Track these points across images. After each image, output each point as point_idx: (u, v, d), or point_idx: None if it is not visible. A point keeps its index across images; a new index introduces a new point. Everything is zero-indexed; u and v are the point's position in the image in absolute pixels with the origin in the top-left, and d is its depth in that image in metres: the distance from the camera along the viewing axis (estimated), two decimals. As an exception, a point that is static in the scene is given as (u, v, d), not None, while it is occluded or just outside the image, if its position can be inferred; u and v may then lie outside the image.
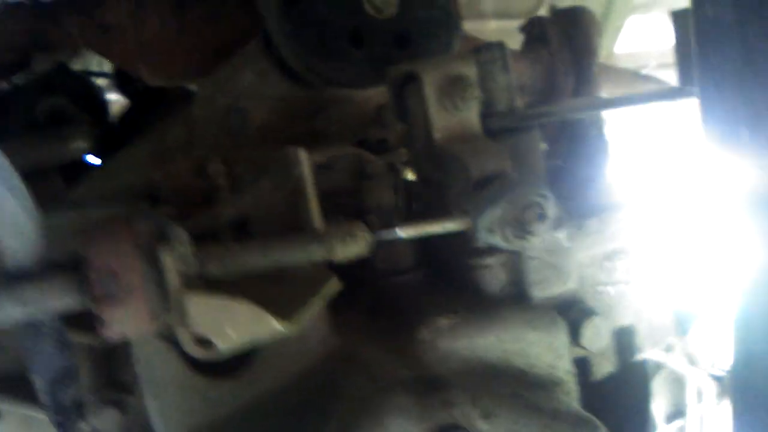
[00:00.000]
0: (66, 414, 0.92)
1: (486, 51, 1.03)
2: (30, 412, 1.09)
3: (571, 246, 1.02)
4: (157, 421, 0.93)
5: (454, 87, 0.97)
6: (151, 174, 1.12)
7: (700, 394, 1.61)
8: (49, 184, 1.53)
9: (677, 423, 1.60)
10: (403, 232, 0.85)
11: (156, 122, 1.65)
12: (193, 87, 1.58)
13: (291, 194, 0.94)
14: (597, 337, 1.04)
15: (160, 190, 1.10)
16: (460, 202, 0.94)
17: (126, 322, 0.69)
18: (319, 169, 1.13)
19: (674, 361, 1.53)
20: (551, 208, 0.90)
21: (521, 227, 0.89)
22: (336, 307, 1.01)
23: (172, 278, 0.69)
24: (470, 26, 1.71)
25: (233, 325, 0.70)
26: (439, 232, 0.87)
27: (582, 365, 1.10)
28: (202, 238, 0.95)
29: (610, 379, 1.14)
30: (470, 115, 1.00)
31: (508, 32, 1.77)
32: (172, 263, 0.70)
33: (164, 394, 0.92)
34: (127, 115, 1.86)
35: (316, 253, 0.81)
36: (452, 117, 0.98)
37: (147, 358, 0.91)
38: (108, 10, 1.45)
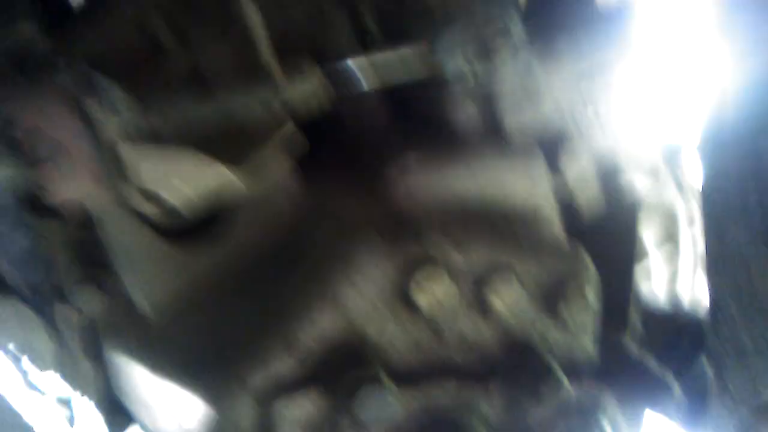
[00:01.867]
0: (42, 296, 0.90)
1: None
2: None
3: (543, 67, 0.96)
4: (134, 293, 0.91)
5: None
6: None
7: (691, 219, 1.60)
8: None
9: (668, 247, 1.59)
10: (356, 63, 0.79)
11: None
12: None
13: (240, 38, 0.87)
14: (577, 165, 1.01)
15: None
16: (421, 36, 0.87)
17: (67, 182, 0.65)
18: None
19: (663, 189, 1.50)
20: (515, 24, 0.84)
21: (484, 45, 0.83)
22: (307, 167, 0.96)
23: (105, 130, 0.64)
24: None
25: (181, 176, 0.66)
26: (395, 59, 0.81)
27: (564, 196, 1.07)
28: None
29: (600, 220, 1.11)
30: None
31: None
32: (102, 114, 0.64)
33: (137, 265, 0.90)
34: None
35: (264, 94, 0.75)
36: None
37: (116, 231, 0.88)
38: None
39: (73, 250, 1.09)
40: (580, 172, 1.02)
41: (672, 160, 1.52)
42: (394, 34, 0.99)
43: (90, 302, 1.13)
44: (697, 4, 0.77)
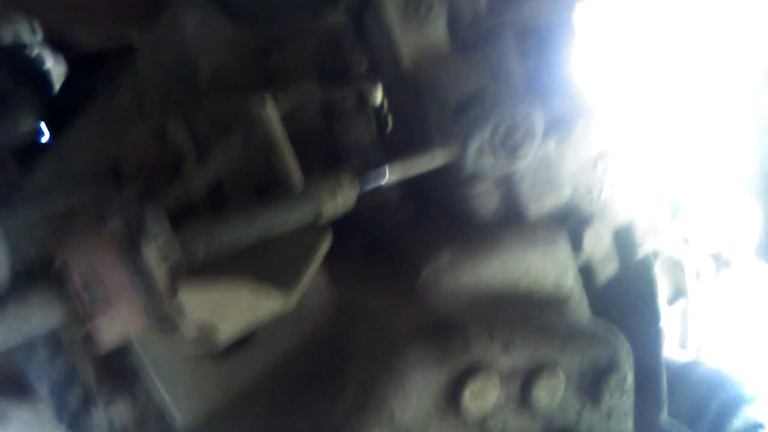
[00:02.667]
0: (74, 415, 0.89)
1: (445, -39, 0.96)
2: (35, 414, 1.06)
3: (560, 155, 0.98)
4: (169, 408, 0.90)
5: (416, 5, 0.90)
6: (108, 148, 1.04)
7: (698, 273, 1.63)
8: (4, 170, 1.45)
9: (679, 303, 1.62)
10: (392, 174, 0.79)
11: (102, 87, 1.55)
12: (133, 42, 1.47)
13: (262, 149, 0.88)
14: (598, 242, 1.02)
15: (121, 166, 1.02)
16: (442, 129, 0.88)
17: (119, 325, 0.65)
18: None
19: (670, 245, 1.53)
20: (539, 124, 0.86)
21: (510, 147, 0.84)
22: (329, 259, 0.97)
23: (159, 272, 0.64)
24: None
25: (233, 309, 0.66)
26: (429, 166, 0.82)
27: (586, 271, 1.09)
28: (179, 213, 0.90)
29: (615, 278, 1.13)
30: (437, 29, 0.93)
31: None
32: (155, 256, 0.65)
33: (171, 379, 0.89)
34: (71, 82, 1.74)
35: (305, 213, 0.76)
36: (419, 36, 0.92)
37: (148, 344, 0.87)
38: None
39: (103, 362, 1.08)
40: (602, 250, 1.04)
41: (675, 214, 1.56)
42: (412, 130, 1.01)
43: (121, 414, 1.11)
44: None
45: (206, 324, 0.68)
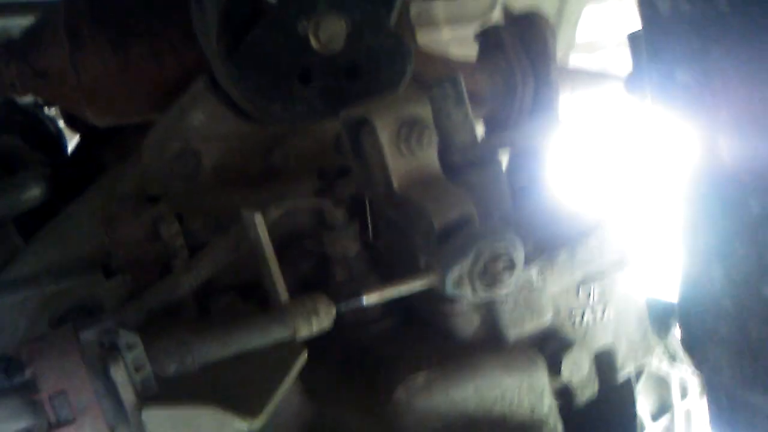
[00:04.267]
0: None
1: (439, 88, 1.00)
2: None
3: (543, 280, 0.99)
4: None
5: (408, 130, 0.93)
6: (101, 239, 1.07)
7: (684, 390, 1.61)
8: (4, 237, 1.47)
9: (663, 420, 1.60)
10: (369, 299, 0.81)
11: (111, 161, 1.60)
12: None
13: (249, 253, 0.90)
14: (577, 367, 1.03)
15: (111, 258, 1.05)
16: (425, 252, 0.90)
17: (85, 441, 0.66)
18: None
19: (656, 361, 1.53)
20: (519, 256, 0.88)
21: (490, 278, 0.86)
22: (306, 364, 0.98)
23: (126, 392, 0.65)
24: (423, 36, 1.66)
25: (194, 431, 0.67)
26: (407, 292, 0.84)
27: (564, 394, 1.09)
28: (163, 311, 0.92)
29: (595, 400, 1.13)
30: (429, 156, 0.96)
31: (463, 39, 1.73)
32: (124, 375, 0.66)
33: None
34: (80, 150, 1.79)
35: (279, 334, 0.77)
36: (410, 161, 0.95)
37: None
38: (44, 54, 1.38)
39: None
40: (581, 373, 1.04)
41: (663, 331, 1.55)
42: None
43: None
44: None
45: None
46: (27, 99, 1.76)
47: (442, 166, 0.99)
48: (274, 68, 1.13)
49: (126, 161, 1.40)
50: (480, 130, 1.33)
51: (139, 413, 0.65)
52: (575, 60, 2.04)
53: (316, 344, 1.00)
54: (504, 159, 1.13)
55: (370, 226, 1.12)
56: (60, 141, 1.84)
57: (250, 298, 1.06)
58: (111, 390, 0.66)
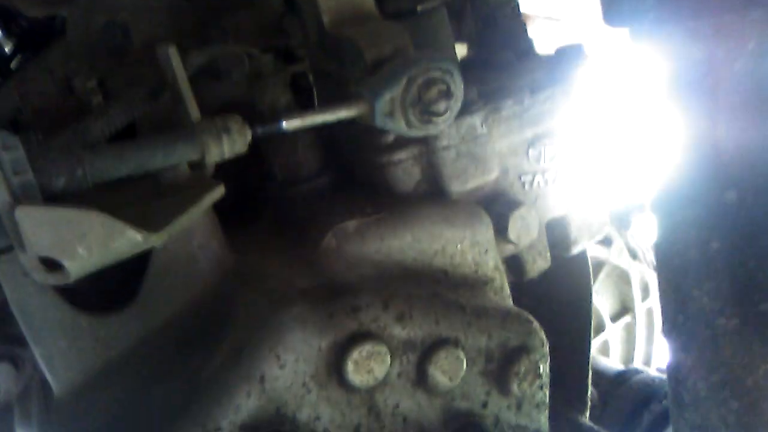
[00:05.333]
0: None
1: None
2: None
3: (488, 132, 0.92)
4: (45, 368, 0.82)
5: (339, -38, 0.85)
6: (12, 97, 0.98)
7: (646, 289, 1.57)
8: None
9: (624, 320, 1.55)
10: (288, 124, 0.74)
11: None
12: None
13: (170, 99, 0.82)
14: (525, 229, 0.96)
15: (23, 113, 0.96)
16: (356, 87, 0.83)
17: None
18: (208, 80, 1.01)
19: (616, 256, 1.47)
20: (457, 85, 0.80)
21: (425, 107, 0.79)
22: (235, 221, 0.91)
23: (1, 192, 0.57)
24: None
25: (82, 240, 0.59)
26: (331, 120, 0.76)
27: (514, 262, 1.03)
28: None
29: (547, 274, 1.07)
30: (362, -8, 0.88)
31: None
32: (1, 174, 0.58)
33: (48, 338, 0.81)
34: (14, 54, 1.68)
35: (185, 153, 0.69)
36: (342, -1, 0.87)
37: (24, 303, 0.79)
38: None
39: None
40: (530, 239, 0.98)
41: (624, 226, 1.50)
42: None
43: (5, 382, 1.03)
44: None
45: (60, 242, 0.60)
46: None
47: (381, 11, 0.92)
48: None
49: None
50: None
51: (13, 214, 0.57)
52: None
53: (248, 203, 0.93)
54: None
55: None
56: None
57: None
58: (-19, 189, 0.58)
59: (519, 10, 1.09)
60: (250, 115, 1.01)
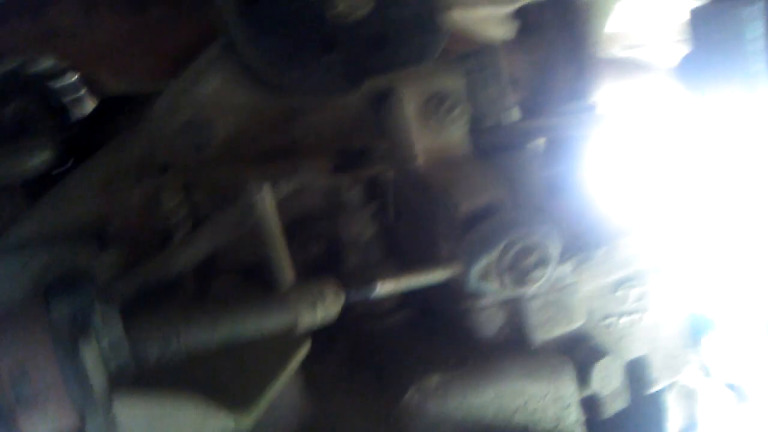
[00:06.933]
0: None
1: (475, 58, 0.90)
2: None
3: (576, 280, 0.89)
4: None
5: (438, 103, 0.84)
6: (100, 206, 0.99)
7: (714, 404, 1.50)
8: (12, 200, 1.41)
9: (692, 437, 1.49)
10: (383, 288, 0.72)
11: (119, 130, 1.52)
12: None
13: (256, 234, 0.81)
14: (608, 378, 0.93)
15: (109, 227, 0.97)
16: (449, 240, 0.81)
17: (44, 425, 0.57)
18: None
19: (687, 375, 1.42)
20: (554, 250, 0.78)
21: (521, 273, 0.76)
22: (310, 355, 0.89)
23: (96, 375, 0.57)
24: (458, 14, 1.56)
25: (173, 427, 0.58)
26: (425, 283, 0.74)
27: (592, 404, 0.99)
28: (158, 288, 0.84)
29: (623, 412, 1.02)
30: (458, 133, 0.87)
31: (501, 19, 1.62)
32: (95, 355, 0.57)
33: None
34: (95, 116, 1.72)
35: (278, 321, 0.68)
36: (436, 137, 0.85)
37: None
38: (56, 11, 1.30)
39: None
40: (612, 383, 0.94)
41: (697, 341, 1.44)
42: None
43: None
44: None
45: (152, 434, 0.60)
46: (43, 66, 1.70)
47: (473, 146, 0.90)
48: (295, 31, 1.04)
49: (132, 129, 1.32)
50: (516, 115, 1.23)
51: (109, 401, 0.56)
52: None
53: (322, 335, 0.92)
54: (539, 147, 1.03)
55: (390, 209, 1.03)
56: (70, 109, 1.77)
57: (256, 281, 0.97)
58: (80, 372, 0.57)
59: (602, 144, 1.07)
60: (327, 233, 1.01)
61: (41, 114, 1.54)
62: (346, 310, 0.92)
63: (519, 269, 0.76)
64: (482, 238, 0.75)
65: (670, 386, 1.41)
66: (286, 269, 0.76)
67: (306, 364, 0.84)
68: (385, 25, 1.07)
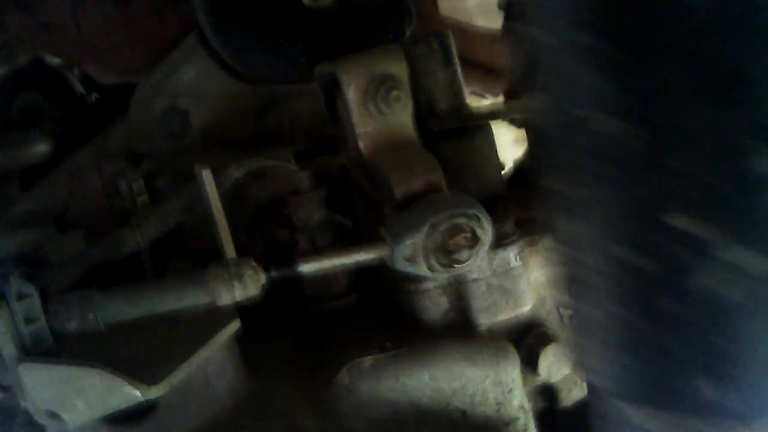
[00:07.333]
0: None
1: (423, 43, 0.90)
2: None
3: (523, 264, 0.89)
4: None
5: (378, 89, 0.84)
6: (64, 192, 1.02)
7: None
8: (5, 188, 1.46)
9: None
10: (306, 267, 0.73)
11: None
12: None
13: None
14: (557, 366, 0.92)
15: (70, 212, 1.00)
16: (384, 223, 0.82)
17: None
18: (253, 179, 1.02)
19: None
20: (484, 230, 0.78)
21: (448, 255, 0.77)
22: (261, 336, 0.91)
23: (6, 343, 0.59)
24: (448, 4, 1.56)
25: (81, 395, 0.60)
26: (350, 263, 0.75)
27: (546, 393, 0.98)
28: (116, 268, 0.86)
29: (585, 404, 1.02)
30: (401, 118, 0.87)
31: (489, 9, 1.61)
32: (7, 325, 0.60)
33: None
34: (93, 111, 1.76)
35: (196, 297, 0.70)
36: (379, 122, 0.86)
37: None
38: (48, 6, 1.35)
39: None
40: (562, 374, 0.94)
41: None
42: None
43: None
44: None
45: (61, 398, 0.62)
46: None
47: (422, 131, 0.90)
48: (258, 21, 1.06)
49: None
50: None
51: (18, 371, 0.59)
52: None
53: (273, 318, 0.94)
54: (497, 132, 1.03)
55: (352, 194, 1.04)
56: (83, 102, 1.82)
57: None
58: (-10, 341, 0.60)
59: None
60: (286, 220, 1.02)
61: (45, 107, 1.58)
62: (299, 293, 0.94)
63: (448, 249, 0.76)
64: (408, 220, 0.76)
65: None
66: (228, 250, 0.77)
67: (250, 345, 0.86)
68: (351, 13, 1.08)
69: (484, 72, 1.48)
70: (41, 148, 1.45)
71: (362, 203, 0.96)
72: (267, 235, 1.05)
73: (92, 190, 0.98)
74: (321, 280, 0.93)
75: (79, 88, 1.78)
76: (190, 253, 1.01)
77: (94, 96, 1.82)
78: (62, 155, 1.53)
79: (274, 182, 1.04)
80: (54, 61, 1.74)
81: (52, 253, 0.92)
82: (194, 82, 1.22)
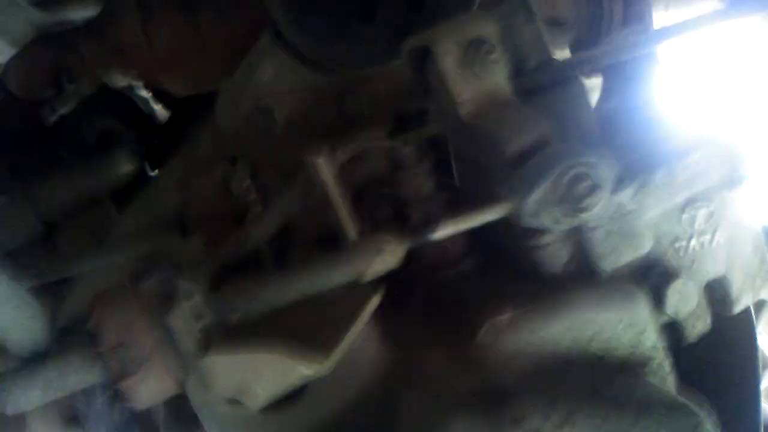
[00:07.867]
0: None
1: (504, 4, 0.91)
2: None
3: (637, 207, 0.90)
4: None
5: (472, 53, 0.86)
6: (178, 200, 1.07)
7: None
8: (102, 211, 1.52)
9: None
10: (439, 233, 0.75)
11: (195, 132, 1.61)
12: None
13: (321, 199, 0.87)
14: (684, 299, 0.93)
15: (186, 216, 1.04)
16: (502, 182, 0.83)
17: (147, 391, 0.65)
18: (350, 162, 1.05)
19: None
20: (604, 175, 0.79)
21: (572, 204, 0.78)
22: (384, 311, 0.94)
23: (186, 340, 0.63)
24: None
25: (260, 380, 0.64)
26: (482, 221, 0.77)
27: (672, 329, 0.99)
28: (239, 264, 0.90)
29: (709, 334, 1.02)
30: (497, 79, 0.89)
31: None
32: (183, 323, 0.64)
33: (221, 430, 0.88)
34: (170, 124, 1.82)
35: (343, 275, 0.73)
36: (477, 86, 0.87)
37: (199, 396, 0.87)
38: (118, 29, 1.39)
39: (173, 405, 1.09)
40: (689, 310, 0.94)
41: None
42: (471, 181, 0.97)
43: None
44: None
45: (241, 385, 0.66)
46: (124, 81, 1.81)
47: (516, 90, 0.91)
48: (333, 7, 1.08)
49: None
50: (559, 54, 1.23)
51: (201, 364, 0.63)
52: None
53: (395, 290, 0.96)
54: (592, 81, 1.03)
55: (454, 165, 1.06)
56: (152, 120, 1.89)
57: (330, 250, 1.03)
58: (170, 341, 0.64)
59: (660, 63, 1.05)
60: (392, 196, 1.05)
61: (123, 128, 1.64)
62: (416, 262, 0.97)
63: (570, 200, 0.77)
64: (529, 174, 0.77)
65: (761, 307, 1.38)
66: (351, 229, 0.80)
67: (382, 319, 0.89)
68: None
69: (548, 25, 1.48)
70: (126, 167, 1.51)
71: (466, 170, 0.97)
72: (371, 216, 1.08)
73: (205, 193, 1.02)
74: (436, 247, 0.95)
75: (147, 106, 1.85)
76: (306, 242, 1.05)
77: (161, 110, 1.88)
78: (146, 172, 1.59)
79: (372, 162, 1.06)
80: (120, 82, 1.80)
81: (178, 257, 0.96)
82: (274, 80, 1.25)
